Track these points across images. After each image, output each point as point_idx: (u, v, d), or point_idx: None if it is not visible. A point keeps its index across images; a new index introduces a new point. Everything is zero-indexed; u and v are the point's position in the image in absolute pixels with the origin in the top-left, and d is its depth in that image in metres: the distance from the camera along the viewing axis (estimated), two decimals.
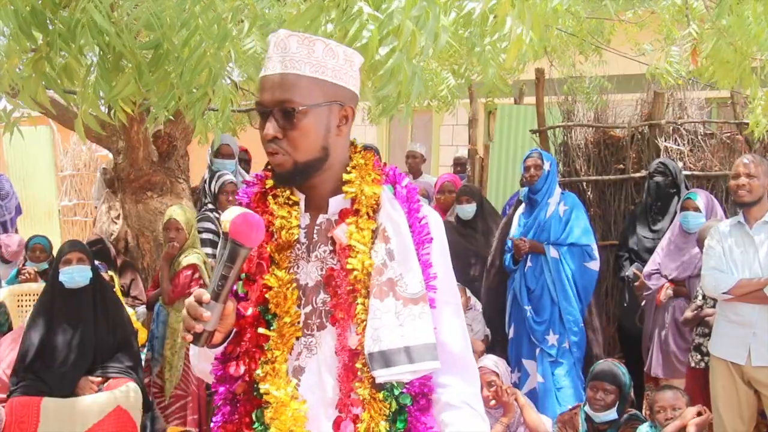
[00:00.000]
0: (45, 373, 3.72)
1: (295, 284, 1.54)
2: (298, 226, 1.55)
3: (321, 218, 1.56)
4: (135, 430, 3.76)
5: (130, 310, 4.51)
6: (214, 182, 5.26)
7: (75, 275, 3.85)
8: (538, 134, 6.22)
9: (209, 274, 4.57)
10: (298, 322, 1.52)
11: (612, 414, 3.66)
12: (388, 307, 1.45)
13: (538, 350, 4.56)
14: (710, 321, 4.00)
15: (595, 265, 4.57)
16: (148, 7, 2.49)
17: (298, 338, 1.53)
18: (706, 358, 4.01)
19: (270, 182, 1.59)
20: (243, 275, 1.55)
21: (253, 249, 1.47)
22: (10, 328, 4.75)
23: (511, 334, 4.72)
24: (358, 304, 1.48)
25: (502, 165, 7.69)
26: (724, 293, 3.66)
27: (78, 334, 3.81)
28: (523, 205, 4.82)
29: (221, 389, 1.55)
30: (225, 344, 1.54)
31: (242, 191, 1.63)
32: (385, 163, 1.61)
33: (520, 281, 4.63)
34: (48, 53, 2.53)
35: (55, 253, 5.67)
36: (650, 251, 4.76)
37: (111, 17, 2.52)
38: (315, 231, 1.56)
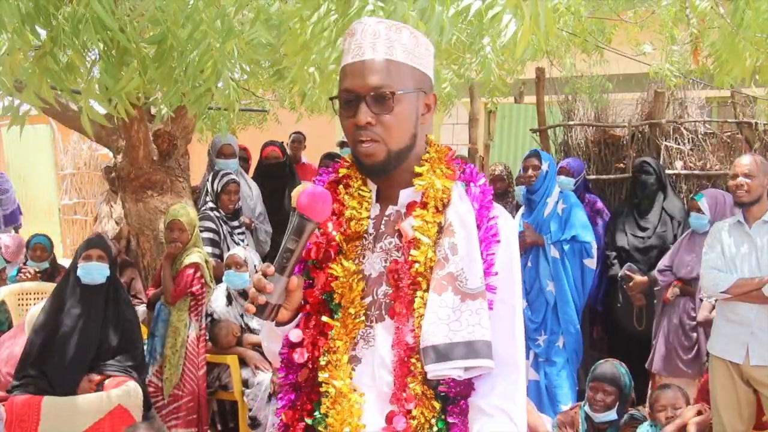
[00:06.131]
0: (48, 367, 3.73)
1: (360, 276, 1.52)
2: (368, 217, 1.54)
3: (390, 209, 1.54)
4: None
5: None
6: (216, 181, 5.25)
7: (93, 271, 3.87)
8: (538, 133, 6.22)
9: (210, 273, 4.57)
10: (363, 314, 1.51)
11: (612, 414, 3.66)
12: (446, 301, 1.41)
13: (531, 351, 4.59)
14: None
15: (592, 263, 4.58)
16: (153, 2, 2.48)
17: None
18: None
19: (343, 171, 1.58)
20: (311, 262, 1.54)
21: (319, 223, 1.46)
22: (10, 327, 4.76)
23: None
24: (417, 297, 1.45)
25: None
26: (722, 292, 3.66)
27: (85, 330, 3.82)
28: (522, 206, 4.83)
29: (287, 375, 1.54)
30: (293, 324, 1.54)
31: (317, 179, 1.61)
32: (462, 161, 1.58)
33: None
34: (52, 49, 2.52)
35: (56, 252, 5.69)
36: (639, 250, 4.76)
37: (115, 12, 2.51)
38: (383, 222, 1.54)
